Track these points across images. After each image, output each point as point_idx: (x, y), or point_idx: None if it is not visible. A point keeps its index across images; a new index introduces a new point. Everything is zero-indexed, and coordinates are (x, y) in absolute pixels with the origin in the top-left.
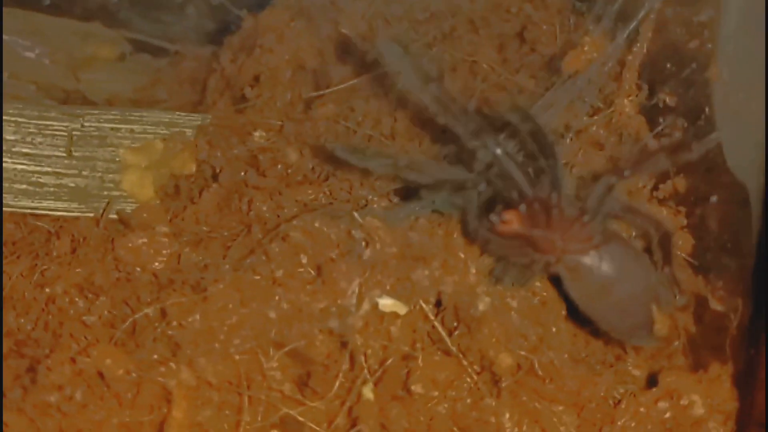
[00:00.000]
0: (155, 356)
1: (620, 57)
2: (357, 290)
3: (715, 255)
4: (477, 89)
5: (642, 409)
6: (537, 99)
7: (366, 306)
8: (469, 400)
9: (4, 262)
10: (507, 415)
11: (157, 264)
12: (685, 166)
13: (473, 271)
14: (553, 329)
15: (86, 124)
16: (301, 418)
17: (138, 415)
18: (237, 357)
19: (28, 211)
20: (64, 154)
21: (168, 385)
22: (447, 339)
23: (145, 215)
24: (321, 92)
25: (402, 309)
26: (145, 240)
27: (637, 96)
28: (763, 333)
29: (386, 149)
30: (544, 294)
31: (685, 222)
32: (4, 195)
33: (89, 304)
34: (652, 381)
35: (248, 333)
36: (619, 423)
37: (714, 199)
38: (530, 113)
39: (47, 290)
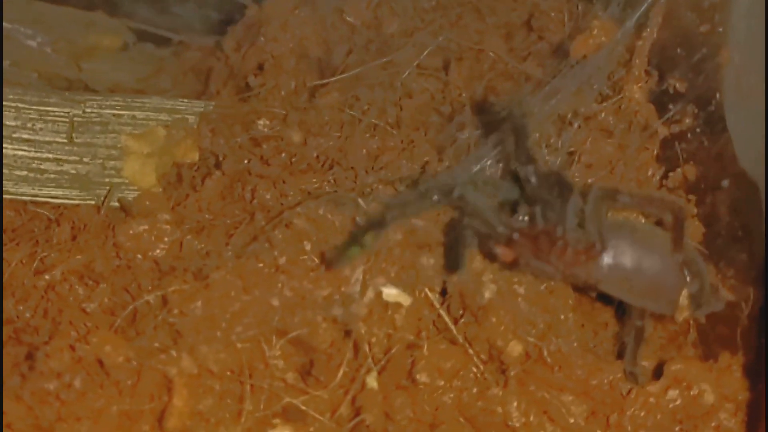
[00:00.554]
0: (156, 344)
1: (629, 43)
2: (361, 278)
3: (725, 243)
4: (484, 78)
5: (651, 399)
6: (544, 87)
7: (370, 294)
8: (475, 390)
9: (3, 249)
10: (514, 405)
11: (158, 251)
12: (694, 154)
13: (479, 257)
14: (561, 317)
15: (88, 110)
16: (303, 407)
17: (138, 403)
18: (239, 345)
19: (28, 198)
20: (65, 141)
21: (169, 373)
22: (453, 327)
23: (147, 203)
24: (325, 80)
25: (406, 300)
26: (146, 227)
27: (646, 82)
28: None
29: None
30: (551, 282)
31: (695, 210)
32: (4, 181)
33: (89, 291)
34: (661, 371)
35: (250, 320)
36: (628, 413)
37: (725, 183)
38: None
39: (47, 277)
